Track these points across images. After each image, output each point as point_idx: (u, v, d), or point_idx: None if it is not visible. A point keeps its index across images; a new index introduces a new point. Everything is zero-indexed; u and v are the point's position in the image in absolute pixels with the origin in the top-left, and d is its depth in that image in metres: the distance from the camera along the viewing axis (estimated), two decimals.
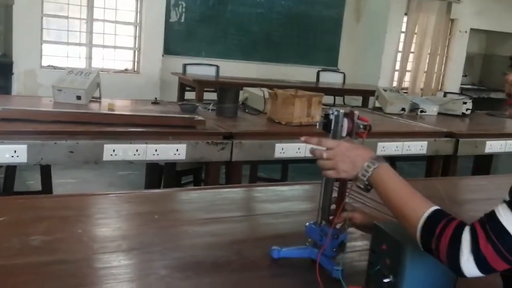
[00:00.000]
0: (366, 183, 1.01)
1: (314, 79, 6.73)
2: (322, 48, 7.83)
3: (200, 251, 1.22)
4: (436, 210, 0.91)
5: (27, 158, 2.09)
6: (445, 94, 6.17)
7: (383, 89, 3.90)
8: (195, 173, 3.52)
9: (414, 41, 8.03)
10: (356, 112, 1.10)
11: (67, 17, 6.27)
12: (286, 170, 4.01)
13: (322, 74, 6.82)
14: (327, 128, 1.12)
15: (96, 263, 1.12)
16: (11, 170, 2.93)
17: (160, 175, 3.39)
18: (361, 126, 1.10)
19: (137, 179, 4.44)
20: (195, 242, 1.28)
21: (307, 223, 1.19)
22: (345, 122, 1.10)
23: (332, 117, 1.11)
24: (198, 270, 1.11)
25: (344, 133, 1.10)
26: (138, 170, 4.49)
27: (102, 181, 4.45)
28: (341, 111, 1.11)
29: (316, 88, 5.59)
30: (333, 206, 1.16)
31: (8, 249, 1.11)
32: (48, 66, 6.15)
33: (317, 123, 1.16)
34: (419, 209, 0.92)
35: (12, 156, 2.07)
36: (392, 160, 4.35)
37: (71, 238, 1.23)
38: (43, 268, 1.06)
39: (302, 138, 1.11)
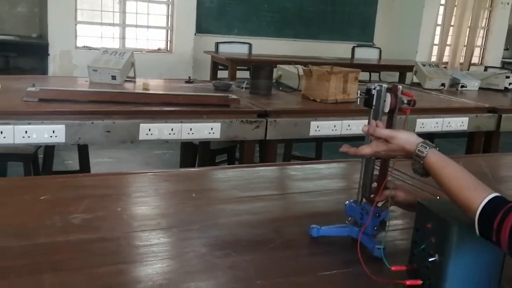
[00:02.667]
0: (422, 166, 0.97)
1: (349, 55, 6.61)
2: (356, 23, 7.66)
3: (238, 229, 1.21)
4: (492, 199, 0.86)
5: (65, 138, 2.13)
6: (486, 68, 5.96)
7: (422, 64, 3.79)
8: (229, 152, 3.51)
9: (454, 14, 7.76)
10: (400, 87, 1.06)
11: None
12: (320, 148, 3.97)
13: (357, 50, 6.69)
14: (368, 103, 1.08)
15: (136, 241, 1.12)
16: (49, 150, 2.99)
17: (194, 154, 3.41)
18: (405, 101, 1.06)
19: (172, 158, 4.48)
20: (233, 220, 1.28)
21: (347, 201, 1.17)
22: (388, 97, 1.05)
23: (374, 92, 1.07)
24: (236, 248, 1.10)
25: (386, 109, 1.06)
26: (173, 149, 4.53)
27: (138, 161, 4.51)
28: (384, 85, 1.06)
29: (351, 64, 5.49)
30: (374, 184, 1.13)
31: (50, 227, 1.13)
32: (83, 46, 6.23)
33: (358, 99, 1.12)
34: (477, 197, 0.87)
35: (51, 136, 2.10)
36: (431, 137, 4.26)
37: (111, 216, 1.24)
38: (85, 246, 1.07)
39: (364, 128, 1.07)
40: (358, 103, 1.13)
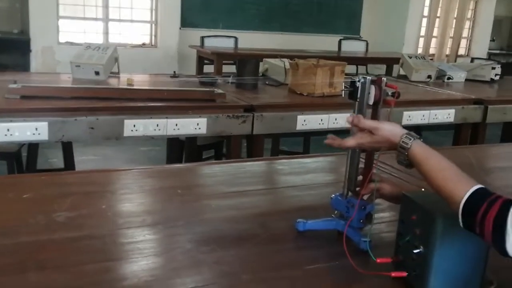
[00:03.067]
0: (406, 158, 0.97)
1: (336, 48, 6.61)
2: (343, 16, 7.67)
3: (224, 225, 1.21)
4: (476, 191, 0.86)
5: (48, 135, 2.10)
6: (473, 59, 6.01)
7: (408, 56, 3.80)
8: (216, 148, 3.50)
9: (439, 5, 7.80)
10: (384, 79, 1.06)
11: None
12: (308, 142, 3.97)
13: (344, 42, 6.69)
14: (353, 96, 1.08)
15: (121, 238, 1.11)
16: (33, 148, 2.95)
17: (181, 150, 3.39)
18: (389, 93, 1.06)
19: (158, 155, 4.46)
20: (219, 215, 1.27)
21: (333, 195, 1.17)
22: (373, 89, 1.05)
23: (358, 84, 1.06)
24: (222, 244, 1.10)
25: (371, 101, 1.06)
26: (159, 145, 4.51)
27: (123, 158, 4.48)
28: (368, 77, 1.06)
29: (338, 58, 5.49)
30: (359, 177, 1.13)
31: (34, 225, 1.11)
32: (66, 42, 6.15)
33: (343, 91, 1.11)
34: (460, 189, 0.87)
35: (34, 134, 2.07)
36: (418, 130, 4.28)
37: (96, 213, 1.22)
38: (69, 244, 1.06)
39: (349, 118, 1.07)
40: (343, 96, 1.12)
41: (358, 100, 1.09)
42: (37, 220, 1.14)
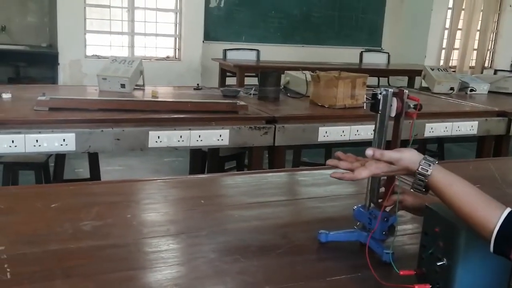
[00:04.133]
0: (424, 184, 0.96)
1: (357, 61, 6.61)
2: (364, 29, 7.67)
3: (247, 235, 1.22)
4: (508, 216, 0.84)
5: (75, 146, 2.15)
6: (496, 71, 5.93)
7: (431, 68, 3.78)
8: (238, 159, 3.53)
9: (461, 17, 7.74)
10: (406, 91, 1.06)
11: (109, 6, 6.38)
12: (329, 154, 3.97)
13: (365, 55, 6.69)
14: (375, 108, 1.09)
15: (146, 247, 1.13)
16: (60, 158, 3.02)
17: (203, 161, 3.43)
18: (411, 106, 1.06)
19: (181, 166, 4.50)
20: (242, 226, 1.28)
21: (355, 206, 1.17)
22: (394, 102, 1.06)
23: (380, 96, 1.07)
24: (245, 254, 1.11)
25: (393, 113, 1.07)
26: (182, 156, 4.55)
27: (148, 168, 4.54)
28: (390, 90, 1.07)
29: (359, 70, 5.49)
30: (382, 189, 1.13)
31: (61, 234, 1.14)
32: (93, 55, 6.29)
33: (364, 103, 1.12)
34: (491, 215, 0.85)
35: (61, 145, 2.13)
36: (441, 141, 4.23)
37: (121, 223, 1.25)
38: (95, 252, 1.08)
39: (369, 152, 1.00)
40: (365, 108, 1.13)
41: (379, 112, 1.09)
42: (64, 228, 1.17)
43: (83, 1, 6.10)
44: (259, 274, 1.03)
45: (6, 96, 2.54)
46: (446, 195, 0.93)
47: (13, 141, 2.05)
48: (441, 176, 0.95)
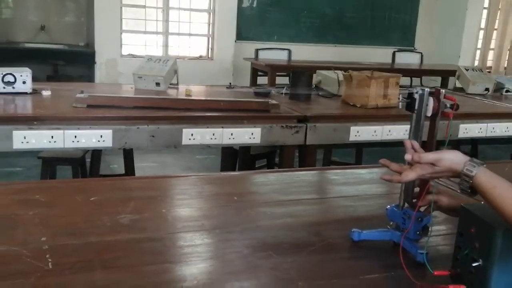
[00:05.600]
0: (471, 186, 0.95)
1: (390, 61, 6.54)
2: (397, 28, 7.57)
3: (279, 232, 1.23)
4: None
5: (112, 143, 2.20)
6: None
7: (465, 68, 3.72)
8: (269, 157, 3.54)
9: (497, 17, 7.55)
10: (442, 91, 1.06)
11: (144, 6, 6.49)
12: (360, 153, 3.94)
13: (398, 54, 6.61)
14: (410, 108, 1.09)
15: (180, 241, 1.16)
16: (97, 154, 3.09)
17: (235, 159, 3.45)
18: (448, 105, 1.05)
19: (212, 163, 4.55)
20: (274, 222, 1.30)
21: (388, 206, 1.17)
22: (431, 101, 1.05)
23: (416, 96, 1.07)
24: (278, 250, 1.12)
25: (429, 113, 1.06)
26: (213, 154, 4.60)
27: (180, 165, 4.60)
28: (426, 89, 1.07)
29: (391, 70, 5.43)
30: (416, 189, 1.13)
31: (100, 227, 1.18)
32: (128, 54, 6.41)
33: (400, 103, 1.12)
34: None
35: (99, 141, 2.18)
36: (475, 143, 4.15)
37: (157, 217, 1.28)
38: (132, 245, 1.11)
39: (408, 157, 1.03)
40: (400, 107, 1.13)
41: (415, 111, 1.09)
42: (103, 221, 1.21)
43: (119, 1, 6.22)
44: (292, 270, 1.04)
45: (46, 93, 2.62)
46: (490, 197, 0.93)
47: (52, 137, 2.12)
48: (486, 178, 0.94)
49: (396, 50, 6.75)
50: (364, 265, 1.08)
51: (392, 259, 1.07)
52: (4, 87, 2.52)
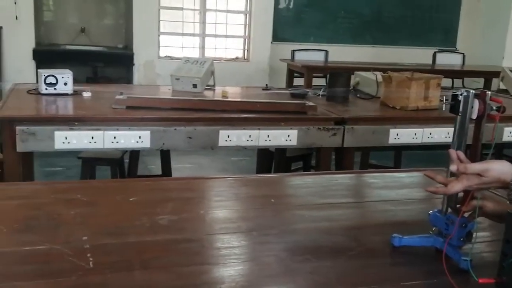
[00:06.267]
0: None
1: (430, 61, 6.40)
2: (438, 28, 7.41)
3: (317, 236, 1.22)
4: None
5: (150, 143, 2.24)
6: None
7: (509, 70, 3.60)
8: (305, 159, 3.52)
9: None
10: (488, 92, 1.02)
11: (182, 9, 6.57)
12: (399, 157, 3.87)
13: (438, 55, 6.47)
14: (455, 110, 1.05)
15: (218, 243, 1.16)
16: (135, 155, 3.14)
17: (270, 161, 3.45)
18: (494, 108, 1.02)
19: (248, 165, 4.55)
20: (312, 226, 1.28)
21: (431, 211, 1.14)
22: (476, 103, 1.02)
23: (461, 98, 1.03)
24: (316, 254, 1.10)
25: (474, 115, 1.03)
26: (249, 156, 4.61)
27: (216, 167, 4.63)
28: (471, 91, 1.03)
29: (432, 71, 5.32)
30: (460, 194, 1.09)
31: (139, 227, 1.19)
32: (165, 56, 6.50)
33: (444, 105, 1.09)
34: None
35: (137, 142, 2.22)
36: None
37: (195, 218, 1.29)
38: (171, 246, 1.12)
39: (454, 168, 1.00)
40: (444, 109, 1.10)
41: (460, 114, 1.05)
42: (142, 222, 1.22)
43: (157, 4, 6.32)
44: (331, 275, 1.02)
45: (87, 94, 2.68)
46: None
47: (92, 137, 2.17)
48: None
49: (437, 50, 6.61)
50: (406, 271, 1.05)
51: (435, 266, 1.04)
52: (46, 88, 2.59)
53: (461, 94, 1.04)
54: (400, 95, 2.73)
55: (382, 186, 1.65)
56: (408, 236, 1.14)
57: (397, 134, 2.56)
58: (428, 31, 7.38)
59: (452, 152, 1.04)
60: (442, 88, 2.95)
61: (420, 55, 6.69)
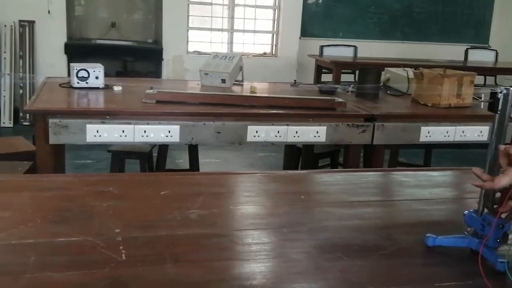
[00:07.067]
0: None
1: (462, 58, 6.27)
2: (470, 24, 7.24)
3: (348, 233, 1.20)
4: None
5: (179, 138, 2.25)
6: None
7: None
8: (333, 156, 3.49)
9: None
10: None
11: (211, 4, 6.59)
12: (429, 155, 3.81)
13: (470, 52, 6.33)
14: (493, 108, 1.02)
15: (248, 239, 1.15)
16: (163, 149, 3.17)
17: (297, 157, 3.43)
18: None
19: (274, 161, 4.55)
20: (343, 224, 1.27)
21: (466, 211, 1.11)
22: None
23: (500, 95, 1.00)
24: (347, 252, 1.09)
25: None
26: (275, 152, 4.60)
27: (242, 162, 4.64)
28: (511, 89, 1.00)
29: (464, 67, 5.20)
30: (497, 194, 1.06)
31: (170, 220, 1.20)
32: (194, 51, 6.53)
33: (482, 102, 1.06)
34: None
35: (167, 136, 2.23)
36: None
37: (224, 213, 1.29)
38: (202, 240, 1.12)
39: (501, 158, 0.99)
40: (482, 107, 1.07)
41: (499, 112, 1.02)
42: (173, 215, 1.23)
43: None
44: (363, 274, 1.01)
45: (117, 88, 2.71)
46: None
47: (123, 131, 2.19)
48: None
49: (469, 47, 6.47)
50: (440, 272, 1.03)
51: (470, 267, 1.01)
52: (78, 82, 2.63)
53: (500, 92, 1.01)
54: (432, 92, 2.68)
55: (414, 185, 1.62)
56: (442, 236, 1.12)
57: (428, 132, 2.51)
58: (460, 27, 7.22)
59: (500, 147, 1.01)
60: (475, 85, 2.88)
61: (451, 51, 6.57)
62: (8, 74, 5.74)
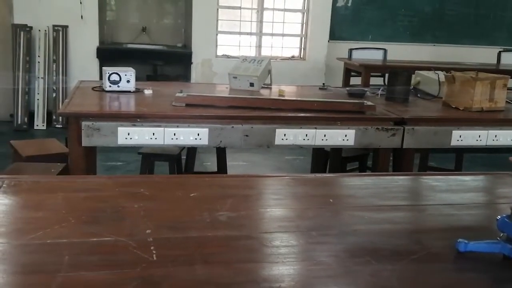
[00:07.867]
0: None
1: (494, 61, 6.14)
2: (503, 27, 7.09)
3: (378, 238, 1.19)
4: None
5: (208, 141, 2.27)
6: None
7: None
8: (361, 160, 3.46)
9: None
10: None
11: (239, 8, 6.63)
12: (461, 159, 3.74)
13: (503, 55, 6.19)
14: None
15: (277, 241, 1.16)
16: (192, 151, 3.20)
17: (325, 160, 3.42)
18: None
19: (302, 164, 4.54)
20: (372, 228, 1.26)
21: (499, 216, 1.09)
22: None
23: None
24: (377, 257, 1.08)
25: None
26: (303, 155, 4.59)
27: (270, 165, 4.64)
28: None
29: (497, 71, 5.09)
30: None
31: (200, 222, 1.21)
32: (222, 55, 6.58)
33: None
34: None
35: (196, 139, 2.26)
36: None
37: (253, 215, 1.29)
38: (231, 242, 1.13)
39: None
40: None
41: None
42: (203, 217, 1.24)
43: (216, 3, 6.40)
44: (393, 279, 1.00)
45: (148, 92, 2.75)
46: None
47: (153, 134, 2.22)
48: None
49: (501, 50, 6.32)
50: (472, 278, 1.02)
51: (503, 273, 1.00)
52: (110, 86, 2.69)
53: None
54: (463, 95, 2.64)
55: (445, 190, 1.60)
56: (474, 242, 1.10)
57: (460, 136, 2.47)
58: (492, 30, 7.08)
59: None
60: (508, 89, 2.82)
61: (483, 54, 6.44)
62: (41, 78, 5.89)
